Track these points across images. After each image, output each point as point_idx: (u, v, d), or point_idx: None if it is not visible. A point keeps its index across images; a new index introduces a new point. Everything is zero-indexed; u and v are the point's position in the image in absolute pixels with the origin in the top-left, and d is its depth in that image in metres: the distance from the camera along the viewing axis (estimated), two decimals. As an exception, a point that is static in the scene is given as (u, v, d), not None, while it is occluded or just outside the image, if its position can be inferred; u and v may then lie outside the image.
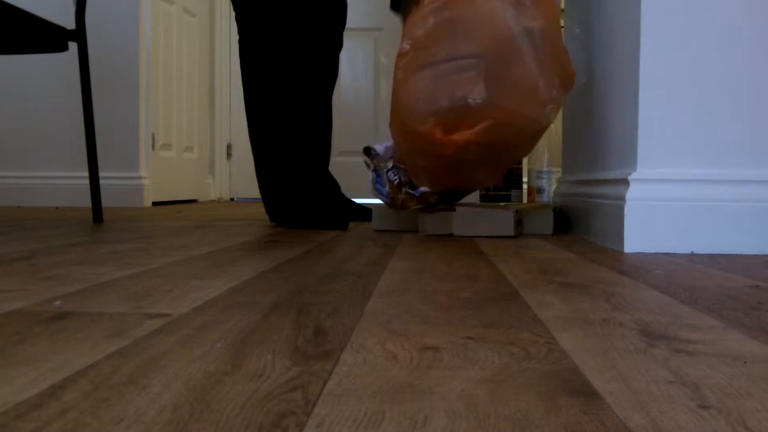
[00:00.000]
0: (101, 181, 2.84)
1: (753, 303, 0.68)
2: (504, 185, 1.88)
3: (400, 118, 1.32)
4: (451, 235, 1.44)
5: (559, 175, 1.97)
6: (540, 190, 2.11)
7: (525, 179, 3.05)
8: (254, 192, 3.77)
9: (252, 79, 1.69)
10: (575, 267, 0.94)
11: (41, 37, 1.71)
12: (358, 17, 3.35)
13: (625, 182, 1.19)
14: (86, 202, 2.85)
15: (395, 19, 1.70)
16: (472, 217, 1.44)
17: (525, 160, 3.04)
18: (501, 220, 1.42)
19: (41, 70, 2.88)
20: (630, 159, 1.21)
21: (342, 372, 0.42)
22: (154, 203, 3.02)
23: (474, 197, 1.88)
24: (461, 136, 1.23)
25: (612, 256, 1.09)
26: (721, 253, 1.14)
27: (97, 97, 2.85)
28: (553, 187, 2.08)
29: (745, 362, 0.45)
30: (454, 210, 1.45)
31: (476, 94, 1.22)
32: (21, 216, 2.09)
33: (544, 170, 2.11)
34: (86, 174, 2.87)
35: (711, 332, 0.54)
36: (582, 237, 1.44)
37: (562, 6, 3.45)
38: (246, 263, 0.94)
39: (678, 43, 1.17)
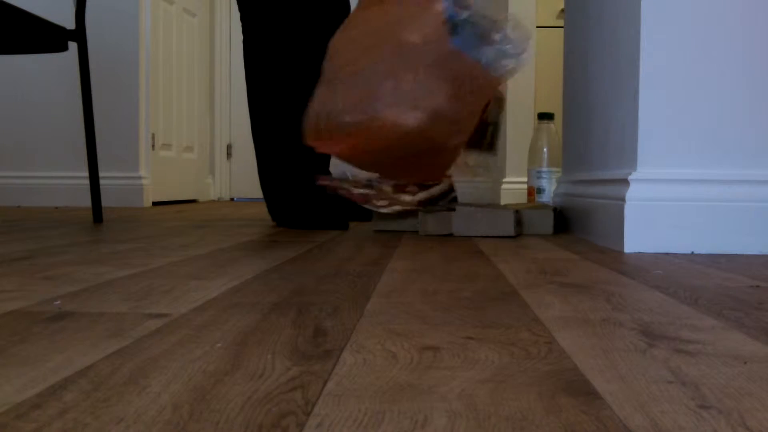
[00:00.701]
0: (101, 181, 2.84)
1: (753, 303, 0.68)
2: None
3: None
4: (451, 235, 1.44)
5: (559, 175, 1.97)
6: (540, 190, 2.11)
7: (525, 179, 3.05)
8: (254, 192, 3.78)
9: (255, 79, 1.69)
10: (575, 267, 0.94)
11: (41, 37, 1.71)
12: (358, 17, 3.35)
13: (625, 182, 1.19)
14: (86, 202, 2.85)
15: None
16: (472, 216, 1.44)
17: (525, 160, 3.04)
18: (501, 220, 1.43)
19: (41, 70, 2.88)
20: (630, 159, 1.21)
21: (342, 372, 0.42)
22: (154, 203, 3.02)
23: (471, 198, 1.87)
24: (331, 145, 1.32)
25: (612, 256, 1.09)
26: (721, 253, 1.14)
27: (97, 97, 2.85)
28: (553, 187, 2.08)
29: (745, 362, 0.45)
30: (454, 210, 1.45)
31: (340, 106, 1.29)
32: (21, 216, 2.09)
33: (544, 170, 2.10)
34: (86, 174, 2.87)
35: (711, 332, 0.54)
36: (582, 237, 1.44)
37: (562, 6, 3.45)
38: (246, 263, 0.94)
39: (678, 43, 1.17)
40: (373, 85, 1.29)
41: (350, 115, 1.28)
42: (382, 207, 1.46)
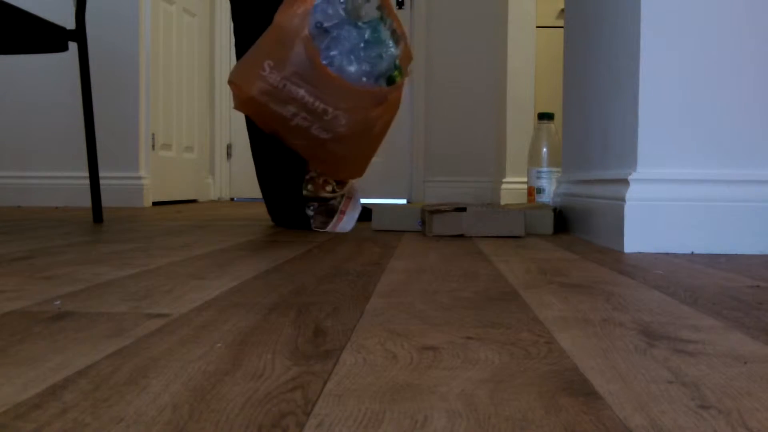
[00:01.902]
0: (101, 181, 2.84)
1: (753, 303, 0.68)
2: None
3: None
4: (459, 235, 1.44)
5: (559, 175, 1.97)
6: (540, 190, 2.11)
7: (525, 179, 3.05)
8: (254, 192, 3.78)
9: None
10: (575, 267, 0.94)
11: (41, 37, 1.71)
12: (358, 17, 3.35)
13: (625, 182, 1.19)
14: (86, 202, 2.85)
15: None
16: (483, 217, 1.45)
17: (525, 160, 3.04)
18: (512, 220, 1.44)
19: (41, 70, 2.88)
20: (630, 159, 1.21)
21: (342, 372, 0.42)
22: (154, 203, 3.02)
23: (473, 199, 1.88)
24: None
25: (612, 256, 1.09)
26: (721, 253, 1.14)
27: (97, 97, 2.85)
28: (553, 187, 2.08)
29: (745, 362, 0.45)
30: (461, 211, 1.46)
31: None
32: (21, 216, 2.09)
33: (544, 170, 2.11)
34: (86, 174, 2.87)
35: (711, 332, 0.54)
36: (582, 237, 1.44)
37: (562, 6, 3.45)
38: (246, 263, 0.94)
39: (678, 43, 1.17)
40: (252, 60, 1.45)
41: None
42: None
